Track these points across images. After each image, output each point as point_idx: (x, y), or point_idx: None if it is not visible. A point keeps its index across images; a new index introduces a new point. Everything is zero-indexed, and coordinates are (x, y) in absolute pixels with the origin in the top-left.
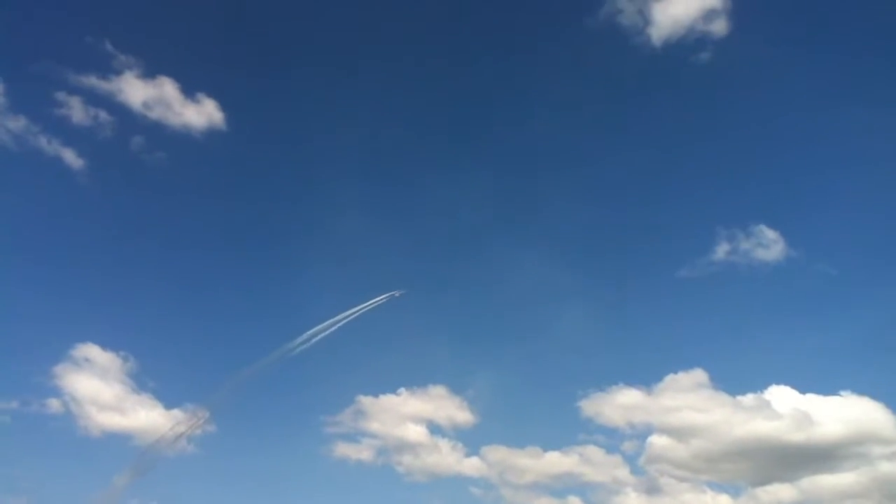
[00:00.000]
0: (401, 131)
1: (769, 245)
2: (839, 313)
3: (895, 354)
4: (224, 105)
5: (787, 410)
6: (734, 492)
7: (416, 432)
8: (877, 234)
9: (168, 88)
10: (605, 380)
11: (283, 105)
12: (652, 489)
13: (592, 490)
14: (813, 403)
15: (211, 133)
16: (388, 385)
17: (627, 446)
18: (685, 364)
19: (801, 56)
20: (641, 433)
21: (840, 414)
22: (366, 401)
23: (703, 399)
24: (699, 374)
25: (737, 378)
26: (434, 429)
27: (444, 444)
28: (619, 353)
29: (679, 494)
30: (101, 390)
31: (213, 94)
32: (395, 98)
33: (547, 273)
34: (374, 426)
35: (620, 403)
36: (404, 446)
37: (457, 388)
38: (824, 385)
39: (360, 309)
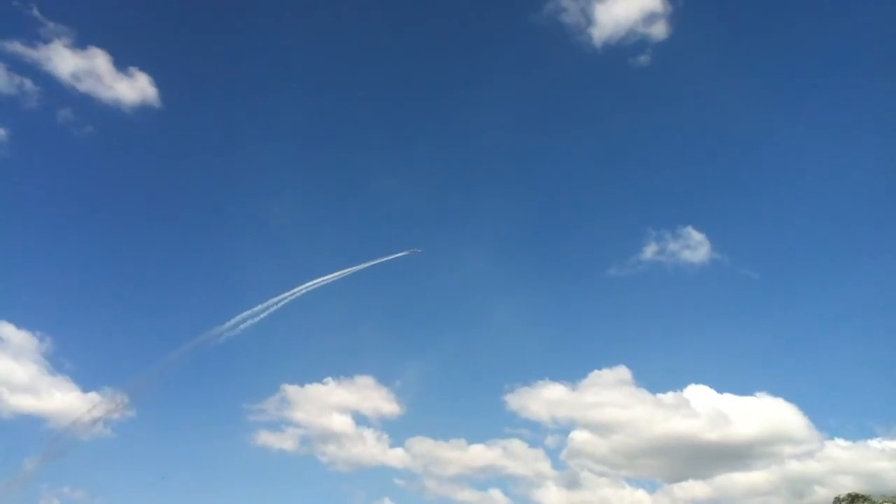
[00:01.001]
0: (342, 118)
1: (696, 247)
2: (759, 316)
3: (809, 358)
4: (159, 81)
5: (705, 409)
6: (651, 487)
7: (341, 422)
8: (798, 242)
9: (99, 60)
10: (532, 375)
11: (221, 85)
12: (572, 483)
13: (514, 483)
14: (729, 403)
15: (143, 109)
16: (315, 374)
17: (550, 440)
18: (610, 361)
19: (737, 65)
20: (564, 428)
21: (755, 414)
22: (291, 389)
23: (626, 396)
24: (623, 372)
25: (658, 376)
26: (360, 419)
27: (370, 435)
28: (546, 348)
29: (598, 489)
30: (14, 371)
31: (147, 68)
32: (338, 83)
33: (481, 268)
34: (298, 415)
35: (545, 398)
36: (329, 436)
37: (385, 379)
38: (741, 385)
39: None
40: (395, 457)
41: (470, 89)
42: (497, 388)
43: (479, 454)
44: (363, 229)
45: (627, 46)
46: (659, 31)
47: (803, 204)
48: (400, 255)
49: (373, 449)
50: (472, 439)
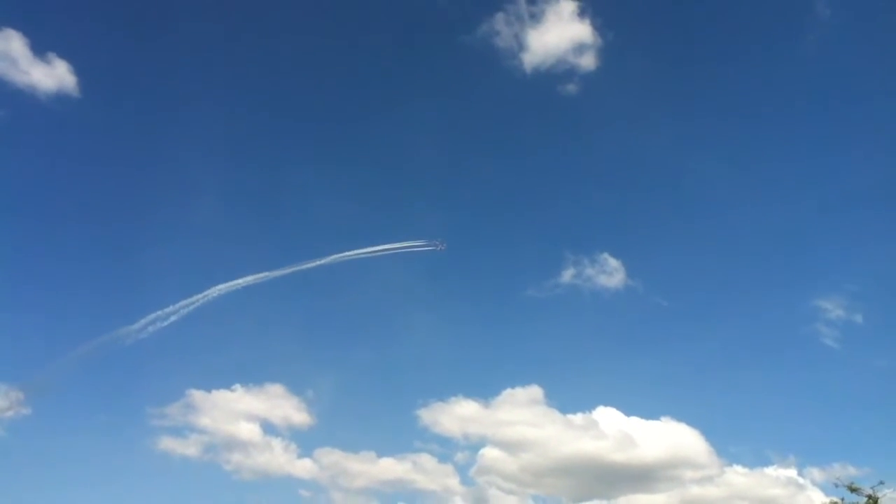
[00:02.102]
0: (269, 127)
1: (611, 273)
2: (668, 343)
3: (713, 386)
4: (79, 70)
5: (613, 431)
6: None
7: (248, 430)
8: (707, 273)
9: (15, 44)
10: (446, 390)
11: (145, 82)
12: (480, 500)
13: (422, 498)
14: (636, 426)
15: (60, 97)
16: (223, 380)
17: (460, 457)
18: (523, 380)
19: (659, 100)
20: (475, 444)
21: (659, 438)
22: (197, 395)
23: (537, 415)
24: (535, 391)
25: (570, 397)
26: (268, 428)
27: (277, 444)
28: (462, 365)
29: None
30: None
31: (66, 55)
32: (265, 91)
33: (401, 282)
34: (204, 421)
35: (458, 414)
36: (234, 444)
37: (296, 388)
38: (648, 409)
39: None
40: (303, 467)
41: (397, 106)
42: (410, 402)
43: (389, 468)
44: (281, 239)
45: (557, 74)
46: (588, 61)
47: (714, 237)
48: (423, 247)
49: (280, 458)
50: (383, 452)
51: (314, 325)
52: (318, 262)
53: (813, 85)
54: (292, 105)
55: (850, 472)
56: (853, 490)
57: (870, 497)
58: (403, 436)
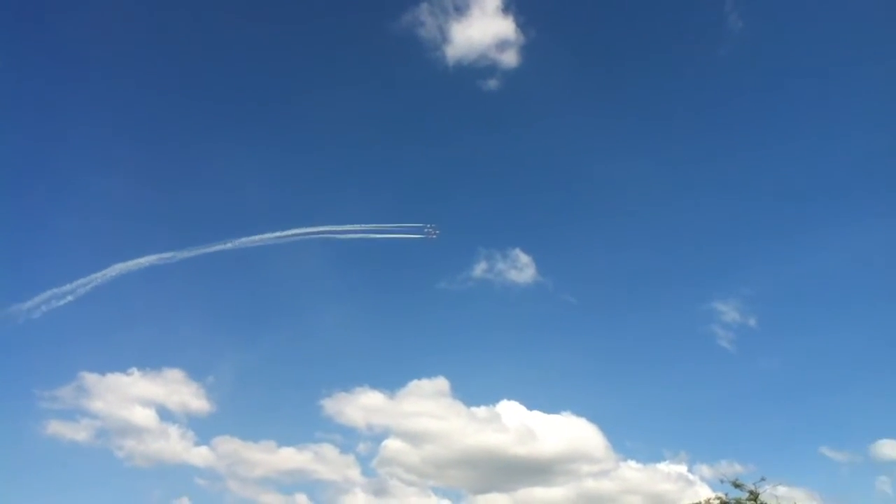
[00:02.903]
0: (187, 97)
1: (522, 269)
2: (572, 339)
3: (613, 383)
4: None
5: (515, 425)
6: (456, 498)
7: (143, 416)
8: (615, 272)
9: None
10: (351, 380)
11: (54, 47)
12: (380, 491)
13: (322, 488)
14: (537, 420)
15: None
16: (119, 363)
17: (363, 447)
18: (430, 372)
19: (577, 100)
20: (378, 436)
21: (559, 432)
22: (90, 377)
23: (442, 407)
24: (441, 383)
25: (475, 390)
26: (164, 414)
27: (174, 431)
28: (369, 355)
29: (405, 497)
30: None
31: None
32: (184, 62)
33: (312, 269)
34: (96, 405)
35: (363, 405)
36: (129, 429)
37: (196, 374)
38: (550, 404)
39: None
40: (199, 455)
41: (319, 89)
42: (314, 392)
43: (289, 457)
44: (191, 218)
45: (478, 69)
46: (510, 58)
47: (624, 236)
48: (412, 234)
49: (176, 446)
50: (283, 442)
51: (219, 310)
52: (228, 245)
53: (723, 92)
54: (212, 85)
55: (736, 469)
56: (737, 486)
57: (751, 493)
58: (306, 426)
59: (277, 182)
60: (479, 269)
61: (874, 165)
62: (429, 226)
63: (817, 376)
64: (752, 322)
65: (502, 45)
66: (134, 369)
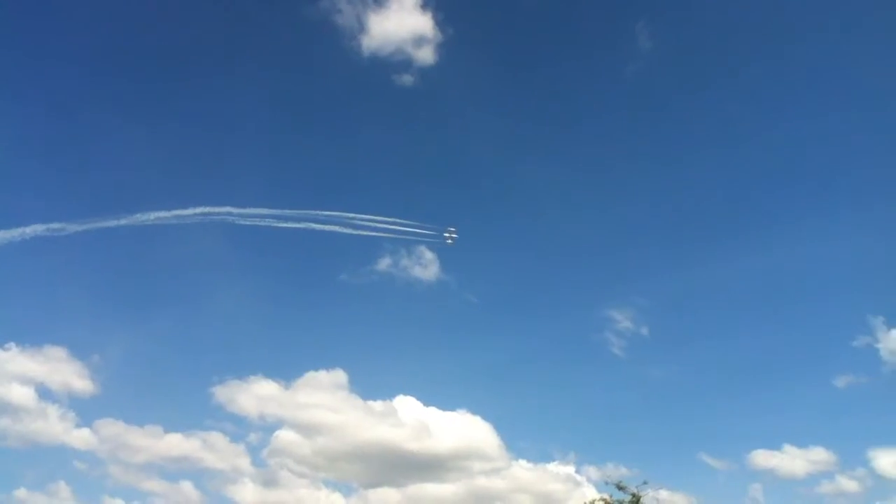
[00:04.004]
0: (86, 71)
1: (426, 265)
2: (472, 338)
3: (509, 383)
4: None
5: (410, 420)
6: (347, 491)
7: (21, 394)
8: (519, 275)
9: None
10: (246, 368)
11: None
12: (269, 482)
13: (209, 477)
14: (433, 416)
15: None
16: None
17: (254, 437)
18: (328, 364)
19: (493, 102)
20: (271, 426)
21: (454, 429)
22: None
23: (339, 400)
24: (339, 375)
25: (373, 384)
26: (44, 393)
27: (53, 411)
28: (265, 344)
29: (295, 489)
30: None
31: None
32: (87, 35)
33: (210, 250)
34: None
35: (256, 394)
36: (4, 408)
37: (80, 352)
38: (446, 401)
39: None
40: (80, 438)
41: (231, 69)
42: (206, 378)
43: (176, 444)
44: (86, 192)
45: (393, 63)
46: (426, 55)
47: (528, 239)
48: (429, 235)
49: (55, 427)
50: (170, 428)
51: (109, 287)
52: (123, 221)
53: (628, 106)
54: (120, 60)
55: (622, 471)
56: (620, 488)
57: (634, 495)
58: (194, 412)
59: (179, 161)
60: (384, 263)
61: (766, 182)
62: (449, 229)
63: (701, 386)
64: (644, 331)
65: (419, 41)
66: (12, 344)
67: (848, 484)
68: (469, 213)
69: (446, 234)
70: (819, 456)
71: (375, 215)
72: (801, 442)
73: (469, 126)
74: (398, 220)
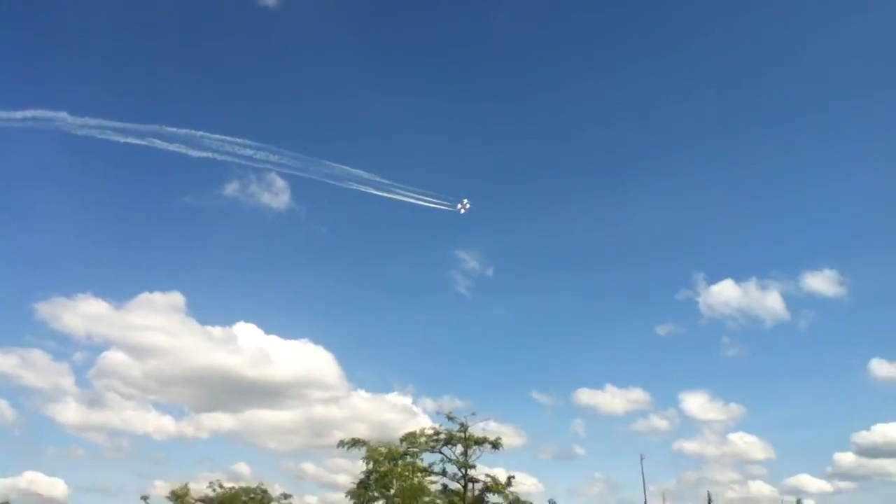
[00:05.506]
0: None
1: (277, 193)
2: (318, 268)
3: (353, 314)
4: None
5: (250, 347)
6: (178, 414)
7: None
8: (371, 208)
9: None
10: (73, 286)
11: None
12: (95, 402)
13: (27, 395)
14: (274, 344)
15: None
16: None
17: (80, 357)
18: (164, 286)
19: (355, 31)
20: (99, 346)
21: (295, 358)
22: None
23: (175, 323)
24: (177, 298)
25: (212, 308)
26: None
27: None
28: (96, 261)
29: (122, 411)
30: None
31: None
32: None
33: (43, 158)
34: None
35: (84, 312)
36: None
37: None
38: (288, 329)
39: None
40: None
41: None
42: (28, 293)
43: None
44: None
45: None
46: None
47: (384, 172)
48: (442, 204)
49: None
50: None
51: None
52: None
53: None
54: None
55: (457, 404)
56: (450, 418)
57: (462, 425)
58: (13, 328)
59: (11, 61)
60: (231, 188)
61: (608, 150)
62: (463, 200)
63: (536, 327)
64: (489, 272)
65: None
66: None
67: (660, 422)
68: (325, 142)
69: (459, 206)
70: (637, 396)
71: (225, 135)
72: (622, 383)
73: (331, 55)
74: (248, 142)
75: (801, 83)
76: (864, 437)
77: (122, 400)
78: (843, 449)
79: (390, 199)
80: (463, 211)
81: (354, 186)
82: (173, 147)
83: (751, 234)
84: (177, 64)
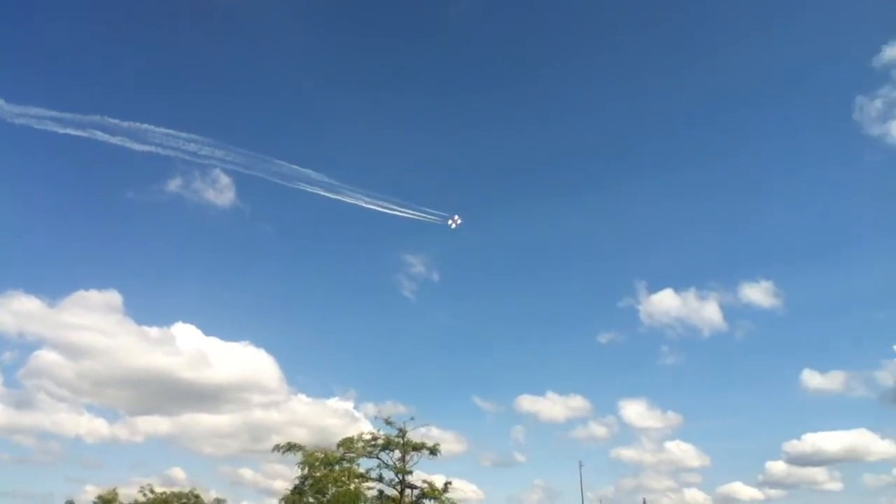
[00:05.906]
0: None
1: (222, 190)
2: (264, 269)
3: (297, 318)
4: None
5: (188, 349)
6: (112, 417)
7: None
8: (317, 210)
9: None
10: (4, 282)
11: None
12: (24, 403)
13: None
14: (214, 346)
15: None
16: None
17: (9, 356)
18: (101, 284)
19: (310, 24)
20: (31, 345)
21: (235, 361)
22: None
23: (111, 323)
24: (113, 297)
25: (150, 308)
26: None
27: None
28: (28, 257)
29: (53, 413)
30: None
31: None
32: None
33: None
34: None
35: (14, 310)
36: None
37: None
38: (229, 331)
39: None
40: None
41: None
42: None
43: None
44: None
45: None
46: None
47: (333, 170)
48: (434, 218)
49: None
50: None
51: None
52: None
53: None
54: None
55: (399, 409)
56: (389, 423)
57: (400, 430)
58: None
59: None
60: (174, 183)
61: (552, 160)
62: (454, 216)
63: (479, 334)
64: (434, 277)
65: None
66: None
67: (599, 429)
68: (270, 139)
69: (450, 222)
70: (577, 403)
71: (170, 129)
72: (563, 390)
73: (280, 45)
74: (194, 137)
75: (744, 96)
76: (795, 445)
77: (53, 402)
78: (775, 458)
79: (338, 200)
80: (454, 226)
81: (302, 187)
82: (116, 140)
83: (691, 244)
84: (123, 53)
